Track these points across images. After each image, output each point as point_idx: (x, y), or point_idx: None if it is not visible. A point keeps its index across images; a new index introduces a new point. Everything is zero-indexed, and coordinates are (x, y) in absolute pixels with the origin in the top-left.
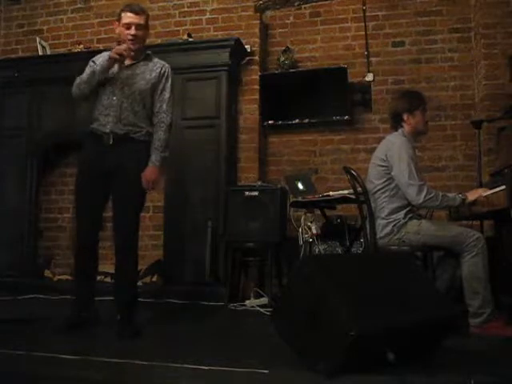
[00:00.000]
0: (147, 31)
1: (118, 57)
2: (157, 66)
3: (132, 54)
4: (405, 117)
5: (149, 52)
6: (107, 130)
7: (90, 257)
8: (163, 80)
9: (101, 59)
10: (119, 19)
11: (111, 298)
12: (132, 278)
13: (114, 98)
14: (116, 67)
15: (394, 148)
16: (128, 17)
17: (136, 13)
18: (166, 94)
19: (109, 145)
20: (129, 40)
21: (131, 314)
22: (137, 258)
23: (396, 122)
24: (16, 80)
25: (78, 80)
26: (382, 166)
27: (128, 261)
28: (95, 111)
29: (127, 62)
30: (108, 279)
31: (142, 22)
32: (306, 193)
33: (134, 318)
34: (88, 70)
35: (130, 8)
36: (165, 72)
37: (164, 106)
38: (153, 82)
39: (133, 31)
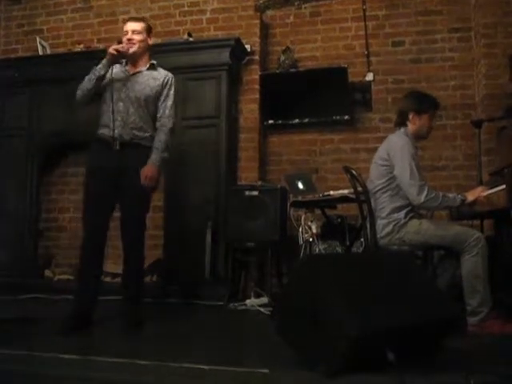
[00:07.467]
0: (146, 38)
1: (115, 52)
2: (161, 74)
3: (130, 52)
4: (410, 116)
5: (153, 62)
6: (116, 135)
7: (95, 259)
8: (166, 88)
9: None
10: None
11: (111, 297)
12: (139, 275)
13: (121, 103)
14: (119, 69)
15: (396, 147)
16: (127, 25)
17: (133, 21)
18: (169, 101)
19: (116, 150)
20: (126, 43)
21: (137, 307)
22: (143, 256)
23: (401, 120)
24: (16, 80)
25: (80, 84)
26: (384, 166)
27: (136, 259)
28: (104, 118)
29: (133, 70)
30: (108, 279)
31: (138, 28)
32: (307, 192)
33: (139, 311)
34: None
35: (129, 18)
36: (168, 80)
37: (167, 112)
38: (157, 89)
39: (129, 35)
